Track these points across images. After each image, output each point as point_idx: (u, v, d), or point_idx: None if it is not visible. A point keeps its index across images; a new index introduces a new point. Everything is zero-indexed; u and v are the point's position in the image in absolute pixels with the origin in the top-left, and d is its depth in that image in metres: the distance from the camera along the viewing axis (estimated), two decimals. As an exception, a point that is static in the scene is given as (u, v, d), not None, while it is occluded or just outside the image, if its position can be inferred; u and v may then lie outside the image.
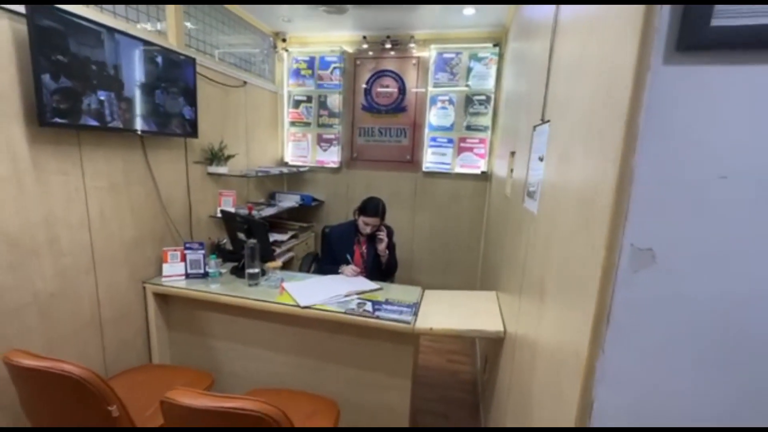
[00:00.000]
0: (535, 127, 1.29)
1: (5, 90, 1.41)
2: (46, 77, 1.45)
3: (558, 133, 1.00)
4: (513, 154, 1.87)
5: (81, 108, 1.57)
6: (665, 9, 0.52)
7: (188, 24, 2.35)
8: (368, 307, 1.84)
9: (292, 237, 3.18)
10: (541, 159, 1.14)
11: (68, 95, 1.52)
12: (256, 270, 2.02)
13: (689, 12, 0.52)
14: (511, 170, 1.88)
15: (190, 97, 2.15)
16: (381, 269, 2.42)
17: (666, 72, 0.53)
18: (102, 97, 1.64)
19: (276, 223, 3.32)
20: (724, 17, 0.51)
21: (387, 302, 1.91)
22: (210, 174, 2.51)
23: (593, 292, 0.63)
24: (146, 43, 1.84)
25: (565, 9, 1.01)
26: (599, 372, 0.60)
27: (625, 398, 0.59)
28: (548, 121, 1.10)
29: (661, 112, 0.54)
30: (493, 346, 1.89)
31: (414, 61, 3.20)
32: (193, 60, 2.14)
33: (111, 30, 1.67)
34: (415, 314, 1.79)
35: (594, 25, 0.77)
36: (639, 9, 0.55)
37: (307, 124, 3.56)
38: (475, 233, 3.30)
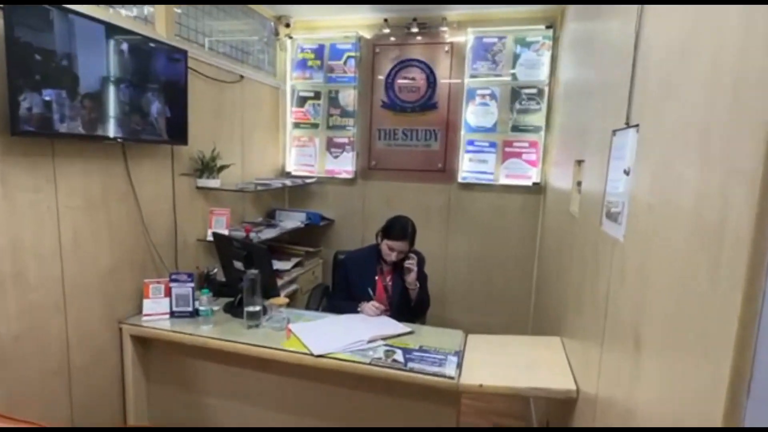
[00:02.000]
0: (615, 131, 1.27)
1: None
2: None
3: (652, 140, 0.98)
4: (580, 162, 1.84)
5: (52, 114, 1.63)
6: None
7: (177, 10, 2.44)
8: (398, 356, 1.81)
9: (297, 265, 3.19)
10: (626, 172, 1.11)
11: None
12: (257, 308, 2.02)
13: None
14: (578, 183, 1.85)
15: (180, 96, 2.21)
16: (410, 307, 2.40)
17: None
18: (48, 97, 1.58)
19: (276, 247, 3.34)
20: None
21: (422, 350, 1.88)
22: (200, 188, 2.56)
23: (725, 349, 0.60)
24: (114, 28, 1.82)
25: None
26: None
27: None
28: (636, 125, 1.08)
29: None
30: (558, 408, 1.82)
31: (446, 48, 3.24)
32: (184, 53, 2.21)
33: (64, 10, 1.60)
34: (459, 366, 1.75)
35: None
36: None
37: (315, 126, 3.62)
38: (526, 261, 3.26)
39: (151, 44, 2.04)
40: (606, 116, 1.42)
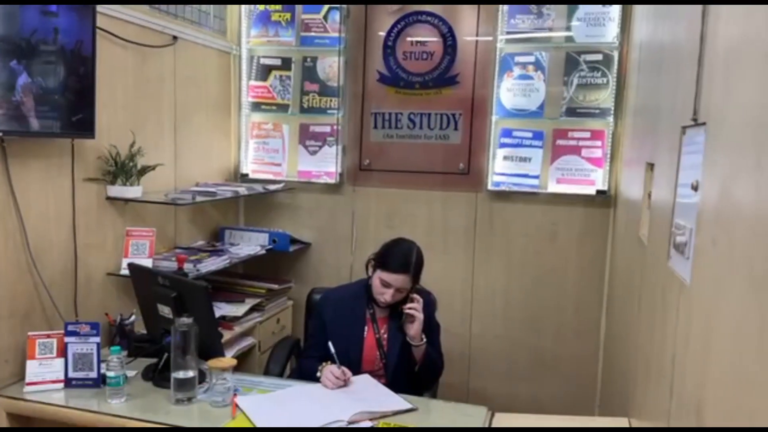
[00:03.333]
0: (684, 128, 1.35)
1: None
2: None
3: (722, 143, 1.06)
4: (651, 167, 1.92)
5: None
6: None
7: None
8: (391, 445, 1.87)
9: (254, 309, 3.27)
10: (694, 187, 1.19)
11: None
12: (190, 374, 2.09)
13: None
14: (649, 195, 1.93)
15: (83, 69, 2.32)
16: (414, 371, 2.46)
17: None
18: None
19: (225, 284, 3.43)
20: None
21: (425, 436, 1.94)
22: (112, 199, 2.65)
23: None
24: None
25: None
26: None
27: None
28: (703, 123, 1.16)
29: None
30: None
31: (471, -4, 3.33)
32: (92, 7, 2.34)
33: None
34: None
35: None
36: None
37: (283, 108, 3.73)
38: (590, 307, 3.32)
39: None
40: (676, 105, 1.50)
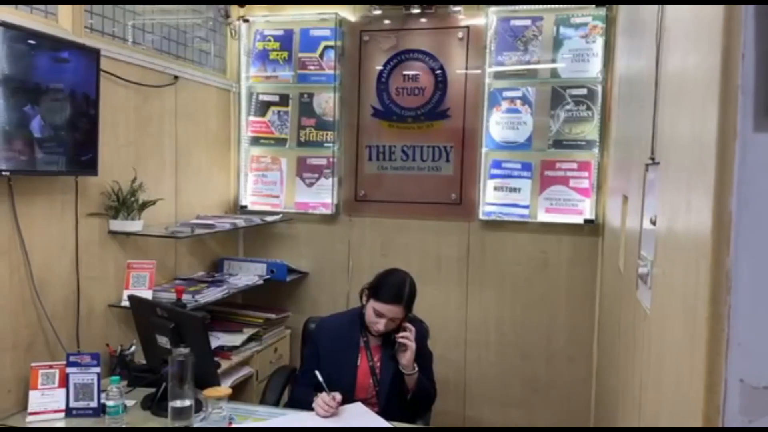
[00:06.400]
0: (647, 165, 1.44)
1: None
2: None
3: (670, 184, 1.14)
4: (626, 199, 2.00)
5: None
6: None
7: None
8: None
9: (252, 339, 3.32)
10: (652, 222, 1.27)
11: None
12: (187, 403, 2.14)
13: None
14: (625, 226, 2.01)
15: (88, 110, 2.43)
16: (406, 399, 2.50)
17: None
18: None
19: (223, 314, 3.48)
20: None
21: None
22: (114, 233, 2.73)
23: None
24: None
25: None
26: None
27: None
28: (658, 162, 1.25)
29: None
30: None
31: (460, 34, 3.44)
32: (96, 52, 2.45)
33: None
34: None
35: (696, 27, 0.94)
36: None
37: (281, 142, 3.82)
38: (582, 333, 3.36)
39: (47, 43, 2.27)
40: (641, 139, 1.59)
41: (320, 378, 2.33)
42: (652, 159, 1.32)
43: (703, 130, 0.82)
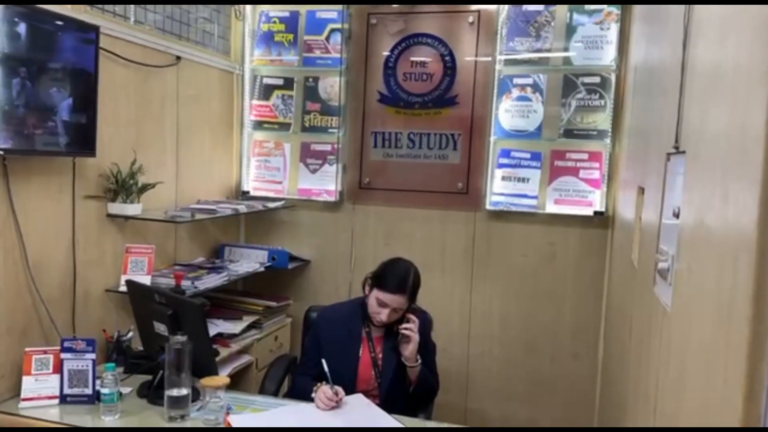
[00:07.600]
0: (669, 155, 1.38)
1: None
2: None
3: (698, 173, 1.08)
4: (642, 191, 1.94)
5: None
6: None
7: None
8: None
9: (252, 327, 3.28)
10: (675, 214, 1.21)
11: None
12: (184, 391, 2.10)
13: None
14: (640, 218, 1.95)
15: (86, 88, 2.37)
16: (408, 392, 2.46)
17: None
18: None
19: (223, 301, 3.45)
20: None
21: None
22: (112, 216, 2.69)
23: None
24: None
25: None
26: None
27: None
28: (683, 151, 1.19)
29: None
30: None
31: (471, 19, 3.38)
32: (96, 29, 2.39)
33: None
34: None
35: (736, 13, 0.88)
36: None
37: (285, 127, 3.77)
38: (588, 329, 3.32)
39: (46, 19, 2.21)
40: (662, 128, 1.53)
41: (326, 368, 2.29)
42: (677, 148, 1.26)
43: (747, 117, 0.76)
